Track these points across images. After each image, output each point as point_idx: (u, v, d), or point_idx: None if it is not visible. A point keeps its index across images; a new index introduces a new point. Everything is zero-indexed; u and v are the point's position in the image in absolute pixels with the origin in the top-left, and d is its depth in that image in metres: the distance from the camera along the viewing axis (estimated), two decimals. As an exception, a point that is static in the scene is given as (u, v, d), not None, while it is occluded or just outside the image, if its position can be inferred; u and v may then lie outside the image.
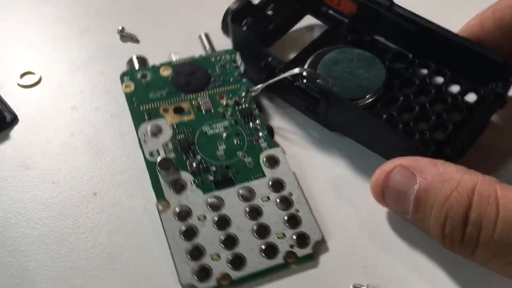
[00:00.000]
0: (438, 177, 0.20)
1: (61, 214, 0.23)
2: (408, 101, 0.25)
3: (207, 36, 0.29)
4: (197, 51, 0.28)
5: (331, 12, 0.30)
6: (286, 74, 0.25)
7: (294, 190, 0.24)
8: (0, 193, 0.24)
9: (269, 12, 0.28)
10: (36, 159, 0.25)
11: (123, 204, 0.24)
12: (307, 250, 0.22)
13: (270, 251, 0.22)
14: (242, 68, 0.27)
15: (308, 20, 0.30)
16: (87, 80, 0.28)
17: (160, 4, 0.32)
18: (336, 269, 0.22)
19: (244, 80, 0.27)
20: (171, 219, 0.22)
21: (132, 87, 0.26)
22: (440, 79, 0.26)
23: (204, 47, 0.29)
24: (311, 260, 0.22)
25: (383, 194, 0.22)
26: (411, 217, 0.21)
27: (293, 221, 0.23)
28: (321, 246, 0.22)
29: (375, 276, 0.22)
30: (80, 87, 0.28)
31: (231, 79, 0.27)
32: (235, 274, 0.21)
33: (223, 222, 0.22)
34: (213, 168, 0.24)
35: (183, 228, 0.22)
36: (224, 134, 0.25)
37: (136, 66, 0.27)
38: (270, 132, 0.26)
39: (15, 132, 0.26)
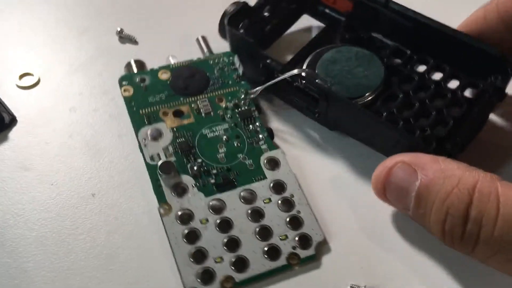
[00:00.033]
0: (439, 173, 0.20)
1: (59, 215, 0.23)
2: (408, 98, 0.25)
3: (204, 39, 0.29)
4: (195, 54, 0.28)
5: (327, 11, 0.30)
6: (285, 76, 0.25)
7: (295, 192, 0.24)
8: (-2, 194, 0.24)
9: (266, 14, 0.28)
10: (34, 160, 0.25)
11: (121, 205, 0.24)
12: (310, 251, 0.22)
13: (273, 252, 0.22)
14: (240, 70, 0.27)
15: (305, 19, 0.30)
16: (86, 81, 0.28)
17: (158, 7, 0.32)
18: (338, 269, 0.22)
19: (242, 82, 0.27)
20: (174, 223, 0.22)
21: (131, 91, 0.26)
22: (439, 75, 0.26)
23: (202, 50, 0.29)
24: (313, 261, 0.22)
25: (384, 190, 0.22)
26: (412, 213, 0.21)
27: (295, 222, 0.23)
28: (323, 247, 0.22)
29: (377, 276, 0.22)
30: (79, 89, 0.28)
31: (230, 82, 0.27)
32: (238, 277, 0.21)
33: (225, 225, 0.22)
34: (214, 171, 0.24)
35: (186, 231, 0.22)
36: (224, 137, 0.25)
37: (134, 70, 0.27)
38: (270, 134, 0.26)
39: (14, 133, 0.26)
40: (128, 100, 0.26)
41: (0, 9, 0.32)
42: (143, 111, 0.26)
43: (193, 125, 0.25)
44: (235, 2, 0.28)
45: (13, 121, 0.27)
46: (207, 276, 0.21)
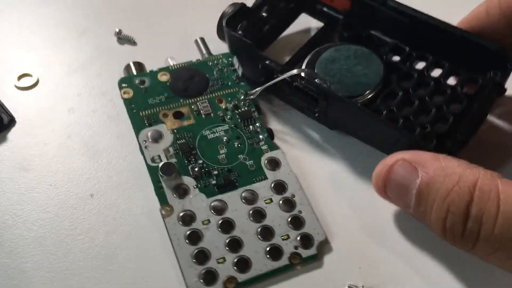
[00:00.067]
0: (440, 171, 0.20)
1: (58, 216, 0.23)
2: (407, 95, 0.25)
3: (203, 40, 0.29)
4: (194, 56, 0.28)
5: (325, 9, 0.30)
6: (284, 76, 0.25)
7: (296, 192, 0.24)
8: (-3, 194, 0.24)
9: (264, 14, 0.28)
10: (33, 161, 0.25)
11: (119, 205, 0.24)
12: (312, 251, 0.22)
13: (275, 252, 0.22)
14: (239, 71, 0.27)
15: (304, 19, 0.30)
16: (84, 82, 0.28)
17: (156, 8, 0.32)
18: (340, 269, 0.22)
19: (242, 83, 0.27)
20: (175, 224, 0.22)
21: (130, 93, 0.26)
22: (438, 71, 0.26)
23: (201, 51, 0.29)
24: (315, 260, 0.22)
25: (384, 187, 0.22)
26: (412, 211, 0.21)
27: (297, 222, 0.23)
28: (325, 246, 0.23)
29: (378, 275, 0.22)
30: (77, 89, 0.28)
31: (229, 83, 0.27)
32: (241, 277, 0.21)
33: (227, 226, 0.23)
34: (215, 172, 0.24)
35: (188, 232, 0.22)
36: (225, 138, 0.25)
37: (134, 72, 0.27)
38: (270, 134, 0.26)
39: (12, 134, 0.26)
40: (128, 102, 0.26)
41: (0, 9, 0.32)
42: (143, 113, 0.26)
43: (194, 126, 0.26)
44: (233, 3, 0.28)
45: (11, 121, 0.27)
46: (210, 276, 0.21)
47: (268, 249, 0.22)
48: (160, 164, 0.24)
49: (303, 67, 0.27)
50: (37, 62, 0.29)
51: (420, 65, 0.27)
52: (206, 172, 0.24)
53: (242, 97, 0.27)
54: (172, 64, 0.28)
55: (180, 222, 0.22)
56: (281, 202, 0.23)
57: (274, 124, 0.27)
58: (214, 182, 0.24)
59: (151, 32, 0.31)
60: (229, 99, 0.27)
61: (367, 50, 0.27)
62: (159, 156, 0.24)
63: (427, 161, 0.21)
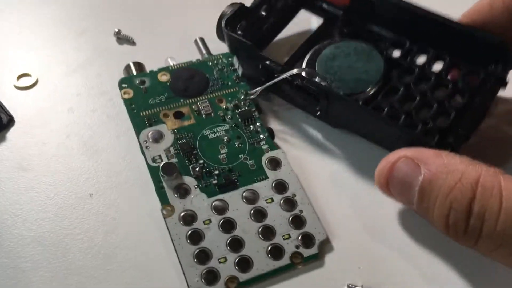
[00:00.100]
0: (442, 168, 0.20)
1: (57, 216, 0.23)
2: (409, 90, 0.25)
3: (202, 40, 0.29)
4: (193, 56, 0.28)
5: (325, 6, 0.29)
6: (284, 75, 0.25)
7: (297, 191, 0.24)
8: (-4, 194, 0.24)
9: (263, 13, 0.28)
10: (32, 161, 0.25)
11: (119, 205, 0.24)
12: (313, 250, 0.22)
13: (276, 252, 0.22)
14: (239, 71, 0.27)
15: (303, 15, 0.30)
16: (84, 82, 0.28)
17: (155, 8, 0.32)
18: (341, 268, 0.22)
19: (242, 83, 0.27)
20: (177, 224, 0.22)
21: (131, 93, 0.26)
22: (439, 65, 0.26)
23: (200, 51, 0.29)
24: (317, 260, 0.22)
25: (387, 184, 0.22)
26: (415, 207, 0.21)
27: (298, 221, 0.23)
28: (326, 245, 0.22)
29: (379, 274, 0.22)
30: (77, 89, 0.28)
31: (230, 83, 0.27)
32: (242, 276, 0.21)
33: (228, 225, 0.22)
34: (216, 172, 0.24)
35: (189, 232, 0.22)
36: (225, 138, 0.25)
37: (134, 72, 0.27)
38: (271, 134, 0.26)
39: (12, 133, 0.26)
40: (128, 103, 0.26)
41: (0, 9, 0.32)
42: (144, 113, 0.26)
43: (194, 126, 0.25)
44: (231, 4, 0.28)
45: (10, 121, 0.27)
46: (211, 276, 0.21)
47: (269, 248, 0.22)
48: (161, 164, 0.24)
49: (304, 65, 0.26)
50: (37, 62, 0.29)
51: (421, 60, 0.26)
52: (207, 172, 0.24)
53: (242, 96, 0.27)
54: (172, 64, 0.28)
55: (181, 222, 0.22)
56: (282, 201, 0.23)
57: (275, 124, 0.27)
58: (215, 182, 0.24)
59: (151, 32, 0.31)
60: (230, 99, 0.27)
61: (367, 46, 0.27)
62: (160, 156, 0.24)
63: (430, 158, 0.21)
